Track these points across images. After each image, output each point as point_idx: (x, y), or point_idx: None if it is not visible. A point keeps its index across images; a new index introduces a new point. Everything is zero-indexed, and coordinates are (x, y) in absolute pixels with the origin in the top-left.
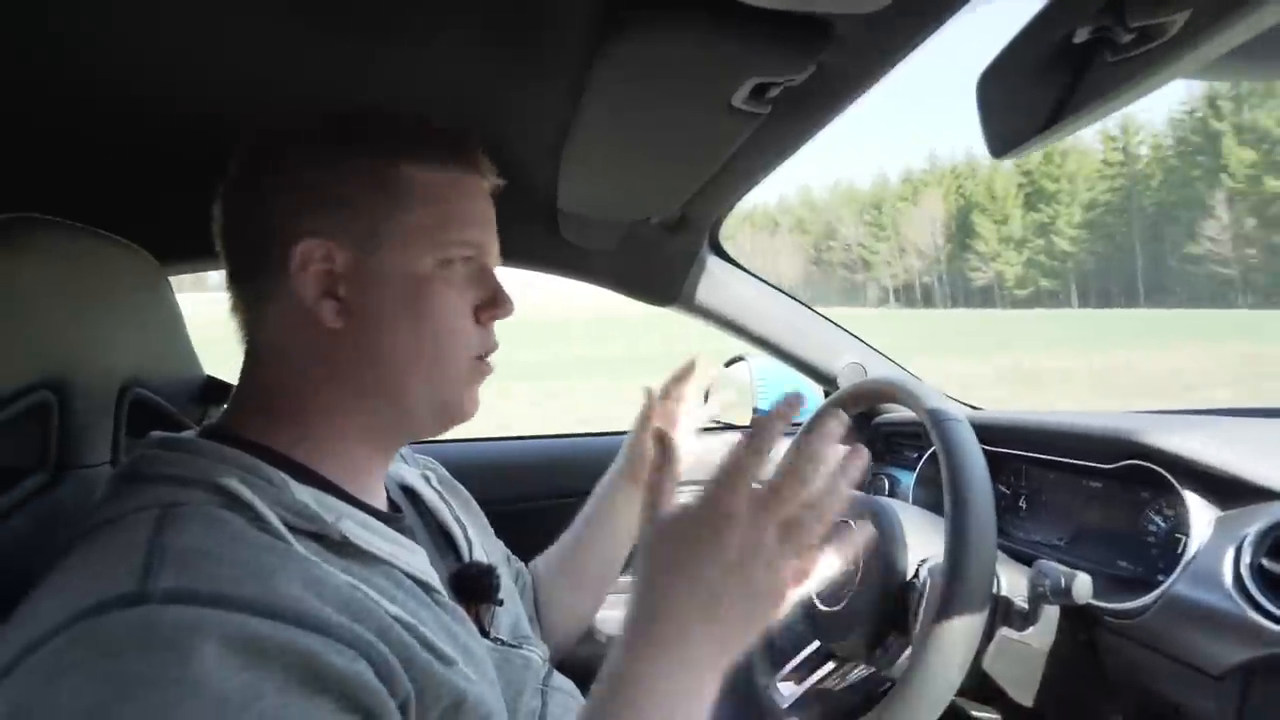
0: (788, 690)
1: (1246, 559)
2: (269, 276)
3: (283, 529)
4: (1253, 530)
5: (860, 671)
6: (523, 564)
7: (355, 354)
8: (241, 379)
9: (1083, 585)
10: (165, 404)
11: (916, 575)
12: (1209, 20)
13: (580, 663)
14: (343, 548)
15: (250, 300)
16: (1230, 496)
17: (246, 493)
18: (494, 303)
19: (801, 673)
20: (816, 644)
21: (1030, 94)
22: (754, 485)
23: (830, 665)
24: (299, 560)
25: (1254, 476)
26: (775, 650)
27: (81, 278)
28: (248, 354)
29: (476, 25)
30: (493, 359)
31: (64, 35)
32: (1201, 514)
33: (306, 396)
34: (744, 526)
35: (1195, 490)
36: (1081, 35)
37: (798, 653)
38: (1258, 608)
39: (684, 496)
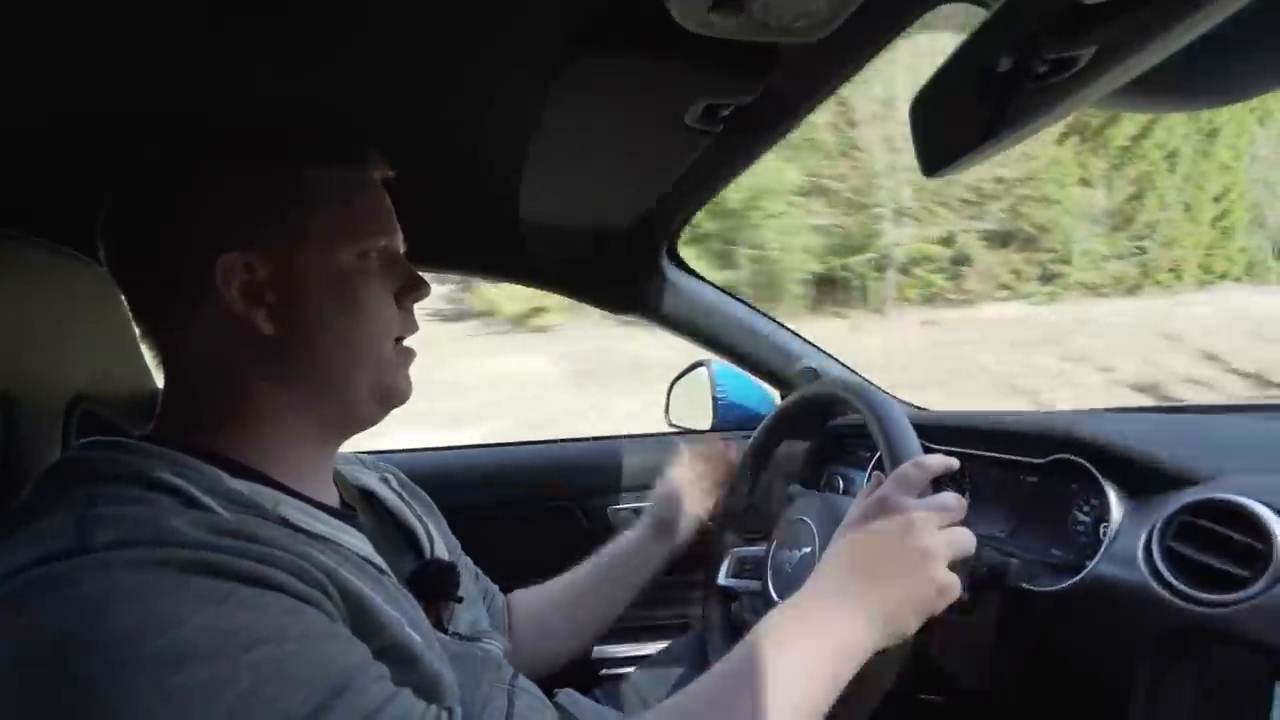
0: None
1: (1157, 541)
2: (187, 293)
3: (221, 511)
4: (1161, 515)
5: None
6: (495, 587)
7: (293, 355)
8: (168, 393)
9: (1015, 570)
10: (116, 419)
11: None
12: (1113, 55)
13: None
14: (282, 524)
15: (167, 320)
16: (1143, 485)
17: (179, 482)
18: (411, 286)
19: None
20: None
21: (958, 117)
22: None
23: None
24: (231, 521)
25: (1163, 466)
26: None
27: (30, 291)
28: (170, 371)
29: (441, 41)
30: (413, 342)
31: (7, 38)
32: (1120, 502)
33: (243, 402)
34: (919, 533)
35: (1114, 481)
36: (1004, 65)
37: None
38: (1167, 585)
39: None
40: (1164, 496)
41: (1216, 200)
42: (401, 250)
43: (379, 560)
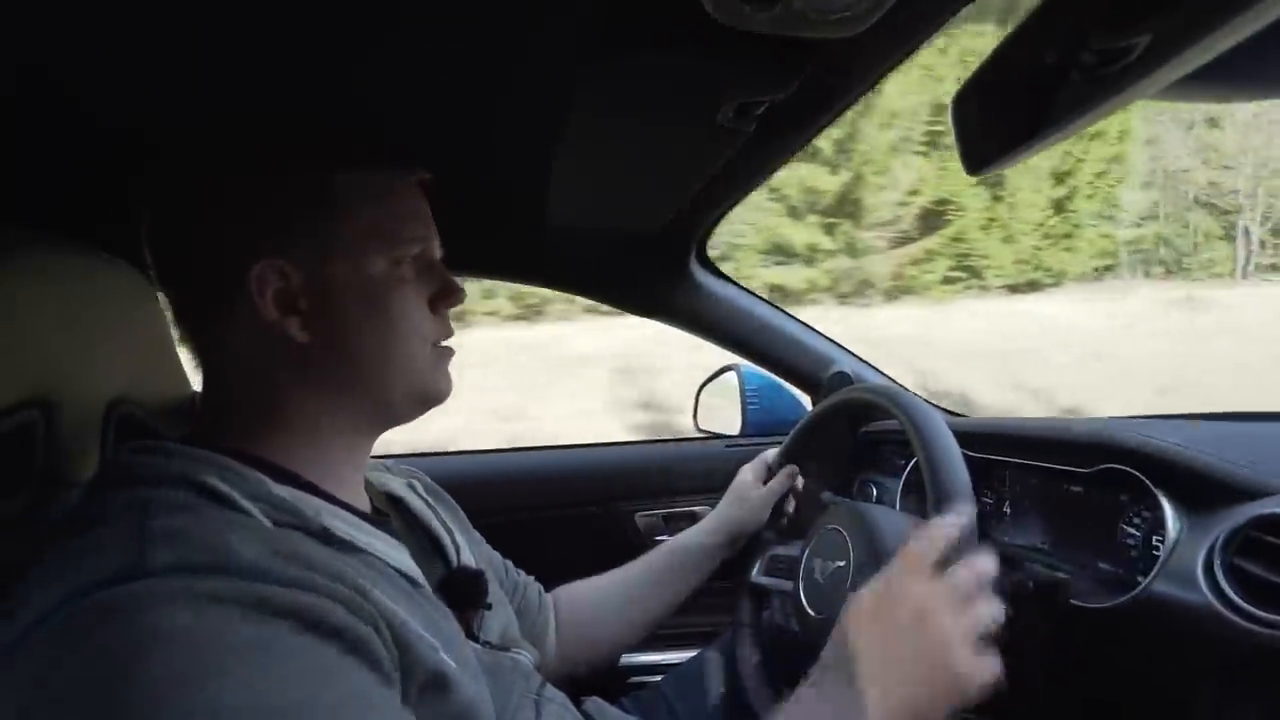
0: None
1: (1219, 558)
2: (223, 301)
3: (262, 518)
4: (1224, 529)
5: None
6: (527, 579)
7: (327, 361)
8: (206, 397)
9: (1065, 587)
10: (153, 421)
11: None
12: (1168, 45)
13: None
14: (324, 538)
15: (205, 327)
16: (1203, 498)
17: (224, 487)
18: (446, 293)
19: None
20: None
21: (1003, 113)
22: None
23: None
24: (283, 539)
25: (1225, 478)
26: (779, 674)
27: (69, 294)
28: (209, 375)
29: (466, 39)
30: (452, 342)
31: (46, 45)
32: (1176, 515)
33: (280, 406)
34: (936, 621)
35: (1170, 492)
36: (1050, 57)
37: (801, 672)
38: (1230, 605)
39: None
40: (1226, 509)
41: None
42: (438, 255)
43: (415, 571)
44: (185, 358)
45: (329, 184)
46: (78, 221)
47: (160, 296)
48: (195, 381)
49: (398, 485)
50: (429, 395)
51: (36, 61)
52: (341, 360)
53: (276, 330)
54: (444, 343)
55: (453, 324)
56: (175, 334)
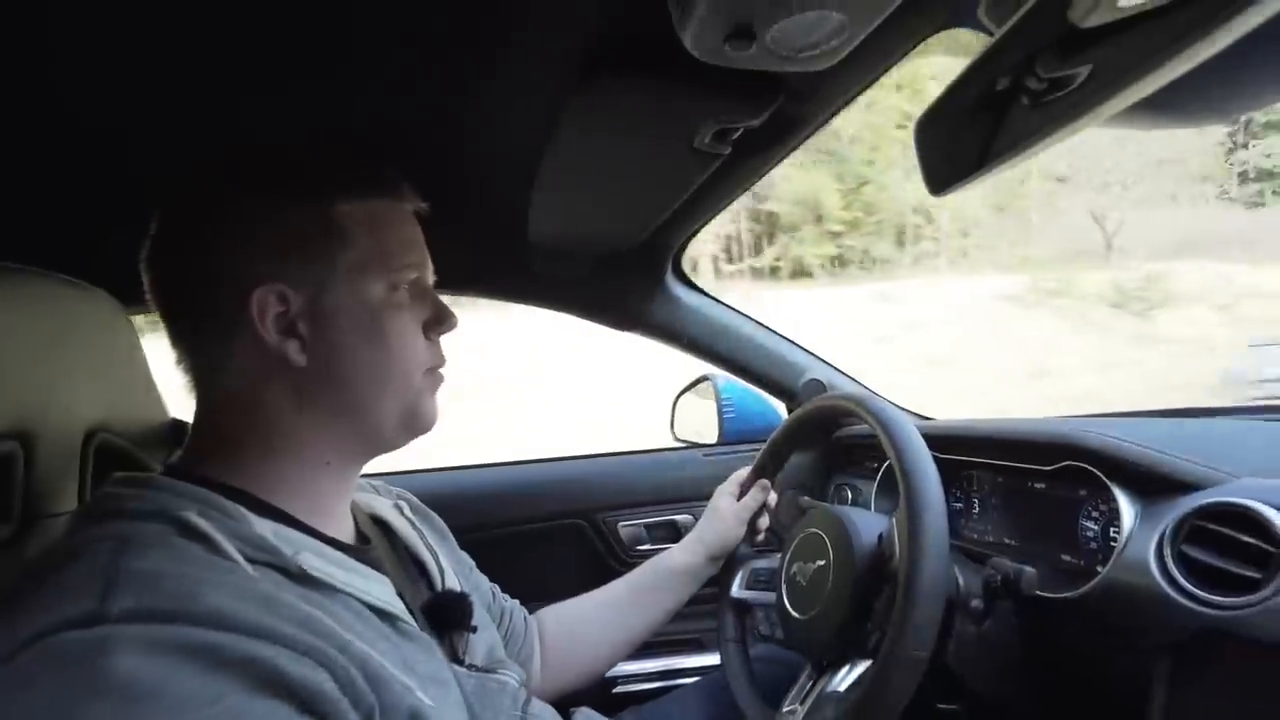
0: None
1: (1169, 546)
2: (222, 326)
3: (239, 558)
4: (1172, 519)
5: (855, 668)
6: (515, 602)
7: (323, 385)
8: (198, 421)
9: (1030, 579)
10: (132, 448)
11: (884, 567)
12: (1108, 75)
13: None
14: (301, 579)
15: (204, 349)
16: (1152, 490)
17: (204, 524)
18: (439, 319)
19: (801, 694)
20: (808, 667)
21: (962, 137)
22: None
23: (823, 674)
24: (255, 582)
25: (1171, 471)
26: (768, 687)
27: (44, 324)
28: (203, 399)
29: (451, 64)
30: (442, 370)
31: (14, 74)
32: (1129, 507)
33: (271, 431)
34: None
35: (1122, 486)
36: (1002, 84)
37: (790, 681)
38: (1180, 589)
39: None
40: (1174, 501)
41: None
42: (431, 282)
43: (394, 605)
44: (161, 384)
45: (331, 213)
46: (52, 250)
47: (136, 323)
48: (172, 408)
49: (384, 507)
50: (416, 421)
51: (25, 87)
52: (337, 384)
53: (275, 354)
54: (437, 369)
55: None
56: (166, 357)
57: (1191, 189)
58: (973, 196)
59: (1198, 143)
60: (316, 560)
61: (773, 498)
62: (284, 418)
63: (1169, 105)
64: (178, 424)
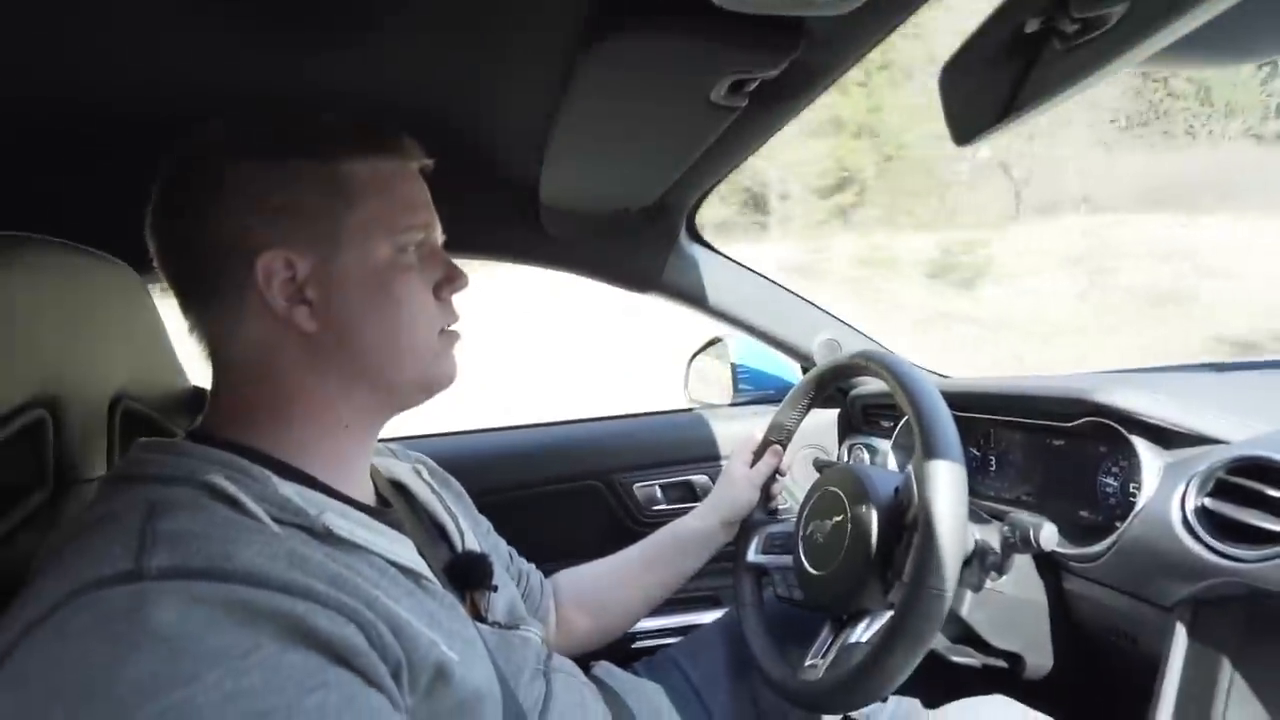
0: (815, 673)
1: (1191, 501)
2: (230, 292)
3: (266, 519)
4: (1194, 474)
5: (875, 620)
6: (529, 567)
7: (335, 350)
8: (215, 388)
9: (1049, 534)
10: (156, 415)
11: (902, 517)
12: (1145, 14)
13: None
14: (326, 538)
15: (214, 318)
16: (1175, 445)
17: (230, 487)
18: (449, 279)
19: (822, 649)
20: (828, 623)
21: (988, 84)
22: None
23: (844, 629)
24: (283, 541)
25: (1194, 426)
26: (787, 647)
27: (67, 294)
28: (218, 366)
29: (461, 22)
30: (457, 326)
31: (29, 48)
32: (1151, 462)
33: (287, 396)
34: None
35: (1144, 441)
36: (1032, 26)
37: (811, 638)
38: (1202, 544)
39: None
40: (1195, 456)
41: None
42: (440, 242)
43: (417, 564)
44: (180, 351)
45: (334, 174)
46: (75, 222)
47: (155, 291)
48: (193, 375)
49: (403, 471)
50: (435, 381)
51: (33, 60)
52: (349, 349)
53: (284, 320)
54: (450, 327)
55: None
56: (183, 326)
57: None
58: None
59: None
60: (340, 520)
61: (785, 461)
62: (299, 383)
63: (1203, 44)
64: (198, 391)
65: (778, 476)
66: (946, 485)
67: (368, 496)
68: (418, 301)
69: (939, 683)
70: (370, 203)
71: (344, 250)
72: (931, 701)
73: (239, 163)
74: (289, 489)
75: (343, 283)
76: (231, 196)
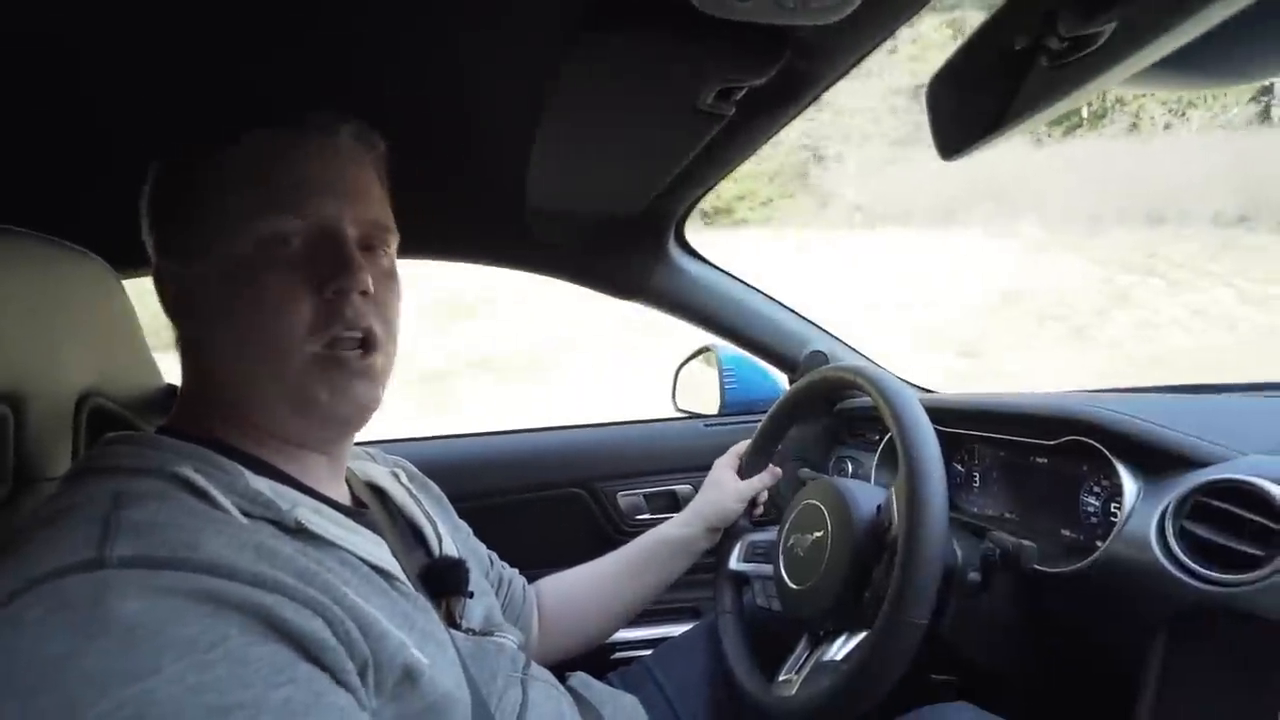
0: (789, 688)
1: (1170, 522)
2: (170, 304)
3: (235, 511)
4: (1174, 496)
5: (851, 638)
6: (512, 572)
7: (209, 362)
8: (184, 385)
9: (1029, 553)
10: (125, 413)
11: (882, 537)
12: (1133, 33)
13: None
14: (298, 533)
15: (174, 320)
16: (1156, 466)
17: (199, 479)
18: (334, 275)
19: (797, 664)
20: (804, 638)
21: (975, 99)
22: None
23: (819, 645)
24: (252, 533)
25: (1177, 447)
26: (764, 658)
27: (34, 286)
28: (184, 365)
29: (447, 24)
30: (352, 337)
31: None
32: (1132, 483)
33: (231, 401)
34: None
35: (1126, 462)
36: (1020, 43)
37: (787, 652)
38: (1180, 565)
39: None
40: (1177, 477)
41: None
42: (350, 230)
43: (391, 565)
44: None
45: (190, 166)
46: (42, 212)
47: (128, 288)
48: (166, 373)
49: (380, 475)
50: (308, 405)
51: (9, 49)
52: (212, 359)
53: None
54: (344, 334)
55: None
56: (159, 323)
57: None
58: None
59: None
60: (313, 515)
61: (772, 473)
62: (234, 392)
63: (1190, 65)
64: (172, 389)
65: (764, 491)
66: (927, 513)
67: (343, 498)
68: (283, 300)
69: (908, 689)
70: (238, 188)
71: (200, 253)
72: (898, 707)
73: (158, 166)
74: (262, 484)
75: (199, 290)
76: (149, 202)
